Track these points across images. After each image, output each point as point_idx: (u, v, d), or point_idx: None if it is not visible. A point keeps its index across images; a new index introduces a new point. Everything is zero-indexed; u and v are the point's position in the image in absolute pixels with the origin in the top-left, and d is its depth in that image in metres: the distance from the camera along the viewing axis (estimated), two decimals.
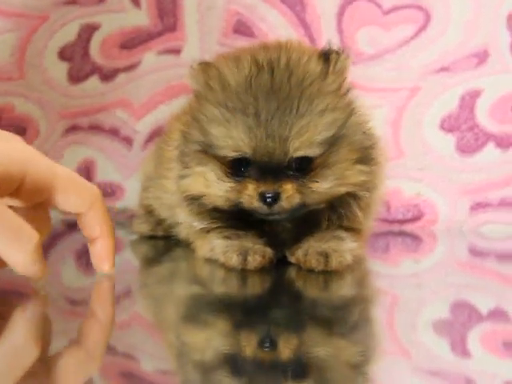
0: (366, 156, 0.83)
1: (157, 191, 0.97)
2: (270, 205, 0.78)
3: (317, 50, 0.83)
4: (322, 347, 0.60)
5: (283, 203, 0.79)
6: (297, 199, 0.79)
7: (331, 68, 0.81)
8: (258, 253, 0.81)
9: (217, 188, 0.82)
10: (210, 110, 0.81)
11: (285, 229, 0.84)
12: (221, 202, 0.82)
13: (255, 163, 0.79)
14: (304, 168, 0.80)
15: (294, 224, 0.83)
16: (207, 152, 0.82)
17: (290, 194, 0.79)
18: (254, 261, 0.80)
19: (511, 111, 1.12)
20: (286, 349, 0.59)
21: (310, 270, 0.81)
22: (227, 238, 0.83)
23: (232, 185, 0.81)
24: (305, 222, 0.83)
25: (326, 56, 0.82)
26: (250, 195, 0.79)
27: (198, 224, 0.86)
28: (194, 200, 0.84)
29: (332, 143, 0.80)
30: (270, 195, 0.78)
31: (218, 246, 0.83)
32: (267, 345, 0.60)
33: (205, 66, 0.82)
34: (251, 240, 0.82)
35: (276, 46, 0.83)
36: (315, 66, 0.81)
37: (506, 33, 1.11)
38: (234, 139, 0.79)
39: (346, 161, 0.81)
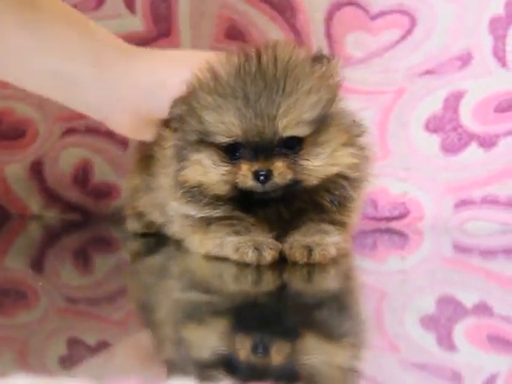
0: (355, 142, 0.86)
1: (148, 196, 0.97)
2: (263, 182, 0.81)
3: (306, 51, 0.86)
4: None
5: (276, 179, 0.81)
6: (289, 175, 0.82)
7: (321, 69, 0.84)
8: (270, 246, 0.83)
9: (213, 173, 0.84)
10: (203, 97, 0.83)
11: (283, 218, 0.85)
12: (218, 187, 0.84)
13: (247, 144, 0.82)
14: (294, 147, 0.82)
15: (292, 212, 0.85)
16: (203, 140, 0.84)
17: (281, 171, 0.81)
18: (269, 255, 0.82)
19: (494, 112, 1.14)
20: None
21: (295, 263, 0.83)
22: (237, 233, 0.84)
23: (227, 168, 0.83)
24: (303, 210, 0.86)
25: (317, 59, 0.85)
26: (244, 175, 0.82)
27: (197, 213, 0.86)
28: (192, 189, 0.85)
29: (320, 123, 0.83)
30: (262, 173, 0.81)
31: (229, 243, 0.84)
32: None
33: None
34: (261, 234, 0.84)
35: (264, 43, 0.86)
36: (301, 54, 0.84)
37: (489, 36, 1.13)
38: (225, 123, 0.81)
39: (334, 141, 0.84)
